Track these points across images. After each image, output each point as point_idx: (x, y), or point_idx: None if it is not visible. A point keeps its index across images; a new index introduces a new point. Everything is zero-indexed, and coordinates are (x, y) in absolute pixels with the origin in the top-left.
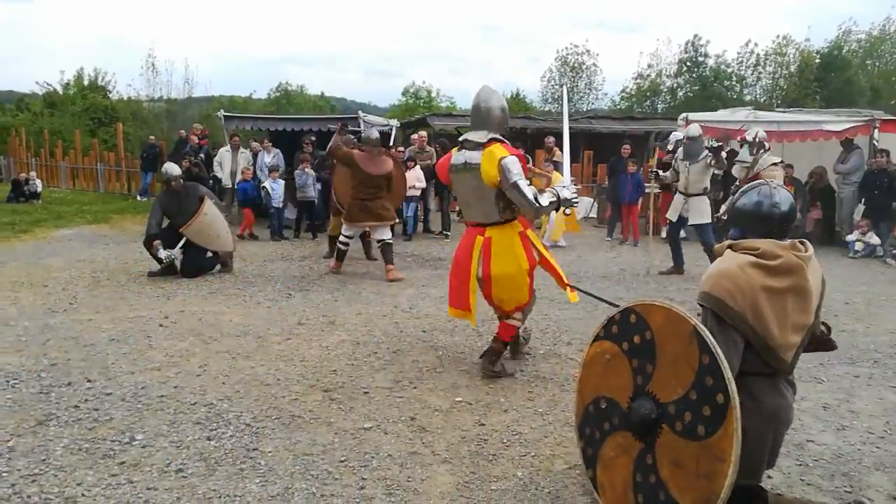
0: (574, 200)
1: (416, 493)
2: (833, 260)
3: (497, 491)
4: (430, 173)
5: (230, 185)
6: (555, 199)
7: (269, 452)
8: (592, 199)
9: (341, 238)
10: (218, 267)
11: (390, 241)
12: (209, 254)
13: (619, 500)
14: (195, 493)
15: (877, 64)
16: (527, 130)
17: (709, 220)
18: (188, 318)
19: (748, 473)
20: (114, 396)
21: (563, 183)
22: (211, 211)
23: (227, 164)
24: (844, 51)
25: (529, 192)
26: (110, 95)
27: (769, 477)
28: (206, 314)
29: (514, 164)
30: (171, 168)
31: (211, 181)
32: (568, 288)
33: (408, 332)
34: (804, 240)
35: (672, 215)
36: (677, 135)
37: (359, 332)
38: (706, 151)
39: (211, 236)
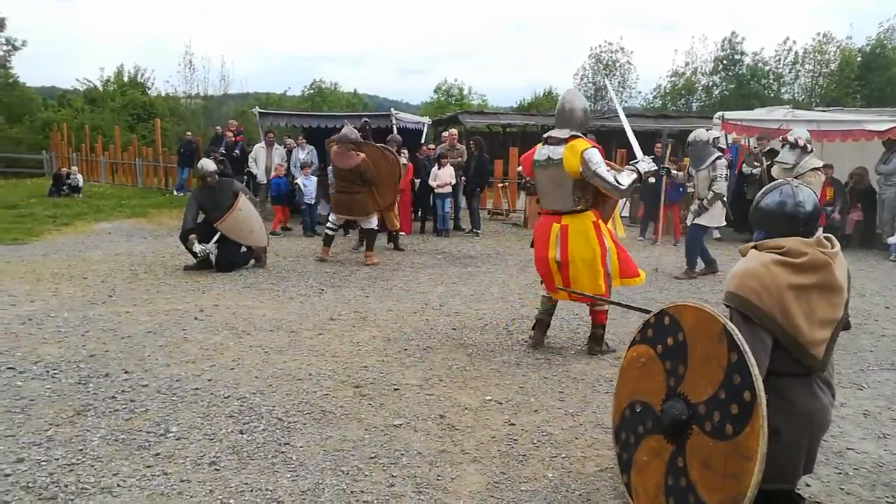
0: (654, 168)
1: (446, 491)
2: (874, 263)
3: (527, 492)
4: (459, 171)
5: (265, 182)
6: (635, 174)
7: (301, 447)
8: (625, 198)
9: (328, 224)
10: (252, 262)
11: (374, 229)
12: (243, 249)
13: None
14: (228, 486)
15: None
16: None
17: (711, 225)
18: (222, 312)
19: (784, 478)
20: (150, 388)
21: (639, 159)
22: (245, 206)
23: (262, 160)
24: (887, 49)
25: (610, 176)
26: (149, 92)
27: (807, 485)
28: (240, 308)
29: (594, 155)
30: (207, 164)
31: (245, 177)
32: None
33: (438, 330)
34: (830, 235)
35: (689, 218)
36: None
37: (389, 329)
38: (713, 158)
39: (245, 231)
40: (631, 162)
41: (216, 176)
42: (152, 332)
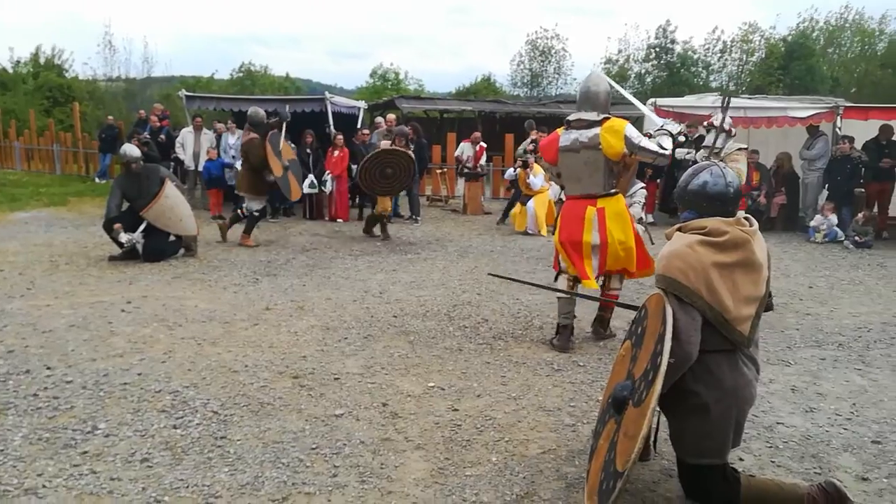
0: (679, 128)
1: (390, 479)
2: (797, 245)
3: (471, 477)
4: None
5: (193, 167)
6: (669, 136)
7: (238, 440)
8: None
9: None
10: (182, 251)
11: (256, 214)
12: (172, 237)
13: (592, 487)
14: (161, 482)
15: (836, 52)
16: (496, 115)
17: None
18: (151, 304)
19: (714, 452)
20: (74, 384)
21: (661, 123)
22: (172, 193)
23: (190, 145)
24: (809, 39)
25: (653, 144)
26: (66, 74)
27: (740, 459)
28: (171, 299)
29: (633, 130)
30: (130, 149)
31: (172, 163)
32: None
33: (378, 318)
34: (748, 215)
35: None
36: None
37: (328, 318)
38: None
39: (173, 220)
40: (659, 127)
41: (141, 162)
42: (76, 325)
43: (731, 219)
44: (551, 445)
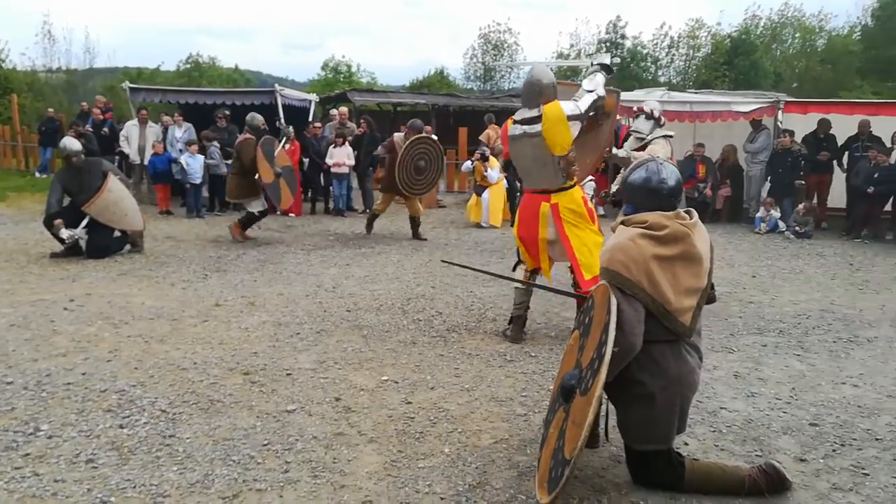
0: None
1: (343, 473)
2: (741, 235)
3: (424, 468)
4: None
5: (138, 161)
6: (600, 72)
7: (188, 439)
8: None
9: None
10: (127, 247)
11: (253, 212)
12: (117, 233)
13: (542, 475)
14: (107, 483)
15: (779, 48)
16: (450, 108)
17: None
18: (96, 302)
19: (660, 438)
20: (15, 385)
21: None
22: (116, 188)
23: (135, 138)
24: (752, 35)
25: (590, 97)
26: (3, 65)
27: (686, 444)
28: (116, 297)
29: (568, 104)
30: (70, 143)
31: (118, 157)
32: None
33: (331, 312)
34: (690, 209)
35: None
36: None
37: (280, 313)
38: None
39: (118, 215)
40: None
41: (82, 155)
42: (16, 325)
43: (670, 213)
44: (503, 435)
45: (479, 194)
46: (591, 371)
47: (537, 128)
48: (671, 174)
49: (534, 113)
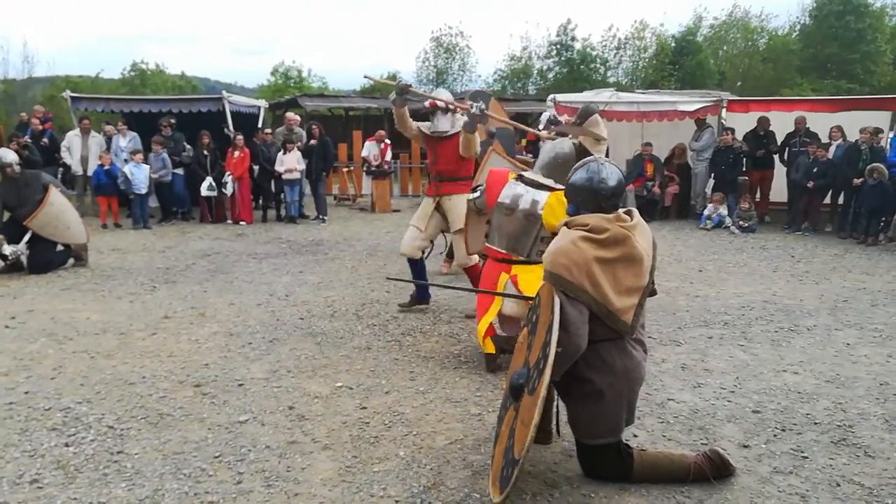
0: None
1: (297, 482)
2: (689, 231)
3: (379, 472)
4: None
5: (81, 172)
6: None
7: (136, 454)
8: None
9: None
10: (71, 261)
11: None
12: (60, 247)
13: (495, 473)
14: (53, 502)
15: (724, 49)
16: None
17: None
18: (39, 318)
19: (610, 432)
20: None
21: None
22: (58, 200)
23: (77, 149)
24: (697, 36)
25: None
26: None
27: (635, 436)
28: (60, 312)
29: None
30: (5, 154)
31: (61, 168)
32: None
33: (284, 321)
34: (631, 209)
35: None
36: (546, 114)
37: (231, 323)
38: None
39: (60, 228)
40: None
41: (17, 167)
42: None
43: (611, 215)
44: (458, 436)
45: None
46: (537, 371)
47: (544, 196)
48: (611, 174)
49: (548, 183)
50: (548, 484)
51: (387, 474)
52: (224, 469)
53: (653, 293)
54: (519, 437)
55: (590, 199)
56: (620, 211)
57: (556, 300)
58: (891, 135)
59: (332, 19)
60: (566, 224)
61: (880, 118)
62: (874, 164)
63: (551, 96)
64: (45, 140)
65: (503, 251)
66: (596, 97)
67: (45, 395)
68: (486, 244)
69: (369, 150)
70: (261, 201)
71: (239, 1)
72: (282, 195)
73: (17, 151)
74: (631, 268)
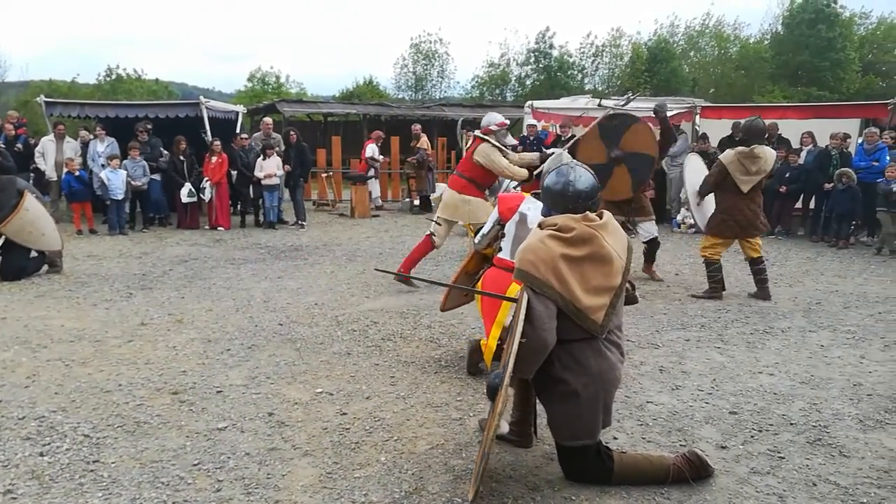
0: None
1: (277, 489)
2: (664, 236)
3: (360, 478)
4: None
5: (55, 178)
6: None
7: (113, 463)
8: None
9: None
10: (45, 268)
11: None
12: (34, 253)
13: (475, 475)
14: None
15: (697, 56)
16: (381, 118)
17: None
18: (11, 326)
19: (587, 433)
20: None
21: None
22: (32, 206)
23: (51, 154)
24: (670, 43)
25: None
26: None
27: (615, 438)
28: (33, 320)
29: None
30: None
31: (32, 173)
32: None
33: (263, 327)
34: (603, 211)
35: None
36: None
37: (210, 330)
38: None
39: (34, 234)
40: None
41: None
42: None
43: (578, 215)
44: (439, 440)
45: None
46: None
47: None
48: (580, 177)
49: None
50: (529, 487)
51: (368, 480)
52: (203, 477)
53: (633, 300)
54: (487, 428)
55: (559, 200)
56: (588, 212)
57: (524, 295)
58: (859, 140)
59: (310, 25)
60: (538, 224)
61: (849, 125)
62: (843, 169)
63: (529, 103)
64: (19, 146)
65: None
66: (572, 104)
67: (18, 403)
68: (498, 255)
69: (372, 150)
70: (239, 207)
71: (217, 6)
72: (260, 200)
73: None
74: (600, 267)
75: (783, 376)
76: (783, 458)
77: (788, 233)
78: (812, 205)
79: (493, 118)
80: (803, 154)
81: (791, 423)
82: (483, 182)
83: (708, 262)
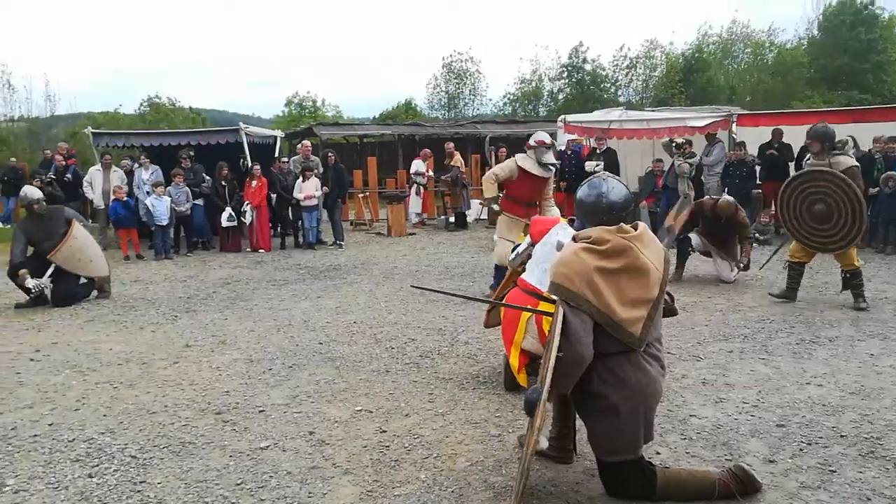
0: None
1: None
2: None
3: (400, 496)
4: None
5: (102, 206)
6: None
7: (159, 483)
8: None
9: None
10: (94, 293)
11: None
12: (83, 280)
13: (515, 492)
14: None
15: (732, 64)
16: (415, 137)
17: None
18: (63, 350)
19: (628, 448)
20: None
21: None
22: (81, 234)
23: (98, 183)
24: (704, 53)
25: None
26: None
27: (657, 453)
28: (83, 344)
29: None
30: (31, 191)
31: (91, 202)
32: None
33: (303, 346)
34: (637, 222)
35: None
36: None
37: (251, 350)
38: None
39: (83, 261)
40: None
41: (43, 203)
42: None
43: (613, 227)
44: (478, 457)
45: None
46: (545, 381)
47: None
48: (613, 189)
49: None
50: None
51: (408, 498)
52: (246, 496)
53: (673, 312)
54: (527, 444)
55: (593, 213)
56: (623, 224)
57: (559, 309)
58: None
59: (344, 49)
60: (573, 238)
61: (893, 128)
62: (889, 173)
63: (561, 117)
64: (69, 175)
65: (538, 286)
66: (605, 116)
67: (68, 426)
68: (522, 276)
69: (417, 166)
70: (279, 229)
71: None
72: (299, 222)
73: (40, 188)
74: (636, 279)
75: (832, 387)
76: (834, 471)
77: None
78: None
79: (535, 135)
80: None
81: (842, 436)
82: (518, 196)
83: (854, 273)
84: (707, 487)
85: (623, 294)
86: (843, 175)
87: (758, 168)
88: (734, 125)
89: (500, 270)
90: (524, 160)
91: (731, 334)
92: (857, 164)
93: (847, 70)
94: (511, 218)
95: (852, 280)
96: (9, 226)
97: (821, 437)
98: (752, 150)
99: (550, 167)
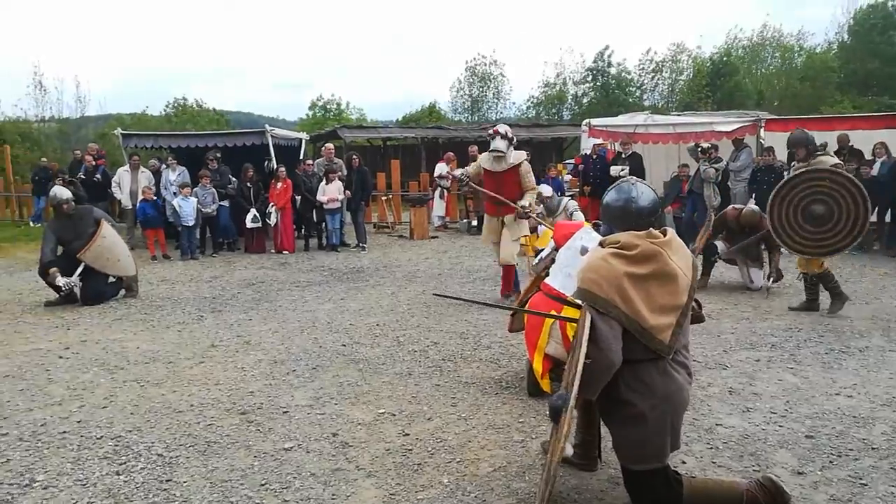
0: None
1: None
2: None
3: (423, 500)
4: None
5: (130, 206)
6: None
7: (185, 482)
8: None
9: None
10: (122, 292)
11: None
12: (111, 279)
13: (540, 499)
14: None
15: (760, 68)
16: (438, 140)
17: None
18: (91, 348)
19: (655, 457)
20: (10, 437)
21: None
22: (109, 234)
23: (127, 184)
24: (732, 57)
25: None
26: None
27: (683, 462)
28: (111, 342)
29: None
30: (60, 192)
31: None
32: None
33: (327, 348)
34: (666, 228)
35: None
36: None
37: (276, 351)
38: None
39: (111, 261)
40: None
41: (72, 203)
42: (10, 375)
43: (641, 232)
44: (501, 463)
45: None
46: (571, 387)
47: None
48: (642, 194)
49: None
50: None
51: (431, 502)
52: (270, 497)
53: (700, 319)
54: (553, 451)
55: (621, 217)
56: (652, 229)
57: (587, 315)
58: None
59: (368, 52)
60: (600, 243)
61: None
62: None
63: (586, 121)
64: (98, 176)
65: (562, 291)
66: (630, 120)
67: (96, 423)
68: (545, 281)
69: (440, 169)
70: (303, 230)
71: (280, 37)
72: (323, 224)
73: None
74: (665, 285)
75: (862, 398)
76: (865, 484)
77: (862, 247)
78: (888, 218)
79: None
80: (876, 166)
81: (873, 448)
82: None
83: (823, 276)
84: (734, 498)
85: (652, 300)
86: (847, 173)
87: (786, 174)
88: (762, 130)
89: (507, 270)
90: (484, 157)
91: (758, 343)
92: (839, 162)
93: (878, 74)
94: (488, 217)
95: (826, 283)
96: (40, 225)
97: (851, 449)
98: (781, 155)
99: (497, 153)
